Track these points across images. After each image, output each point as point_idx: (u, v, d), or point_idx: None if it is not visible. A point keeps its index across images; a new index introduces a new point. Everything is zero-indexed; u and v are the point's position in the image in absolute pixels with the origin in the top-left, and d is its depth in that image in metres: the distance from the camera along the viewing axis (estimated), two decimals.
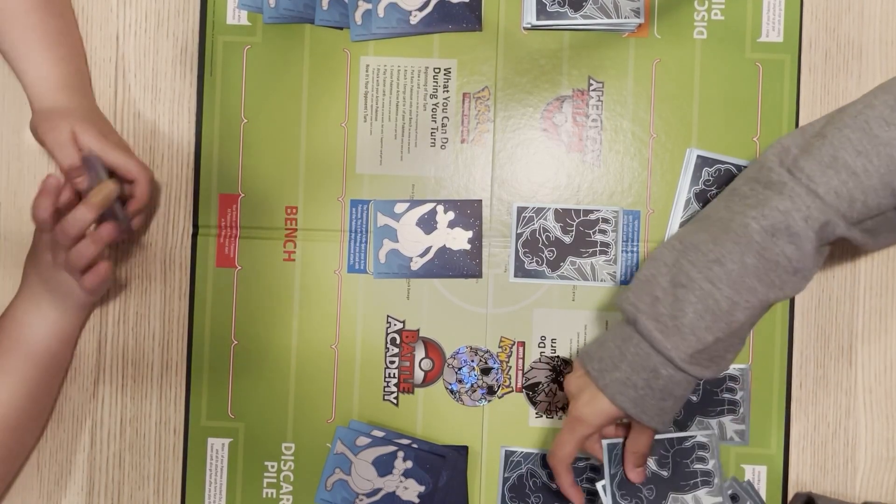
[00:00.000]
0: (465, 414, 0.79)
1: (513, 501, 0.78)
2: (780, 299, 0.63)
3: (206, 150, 0.80)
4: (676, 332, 0.62)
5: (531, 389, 0.79)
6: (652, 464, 0.71)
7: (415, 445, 0.78)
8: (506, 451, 0.78)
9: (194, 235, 0.80)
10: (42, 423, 0.79)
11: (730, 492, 0.74)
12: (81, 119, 0.72)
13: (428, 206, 0.79)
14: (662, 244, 0.66)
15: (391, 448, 0.78)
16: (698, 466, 0.72)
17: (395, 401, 0.79)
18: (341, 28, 0.80)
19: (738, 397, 0.78)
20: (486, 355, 0.79)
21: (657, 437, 0.70)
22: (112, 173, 0.72)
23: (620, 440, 0.69)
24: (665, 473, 0.71)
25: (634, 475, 0.69)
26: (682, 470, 0.71)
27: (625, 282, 0.79)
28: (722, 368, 0.64)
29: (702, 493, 0.71)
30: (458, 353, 0.79)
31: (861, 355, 0.79)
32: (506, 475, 0.78)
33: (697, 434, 0.72)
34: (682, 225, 0.78)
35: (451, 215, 0.79)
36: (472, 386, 0.79)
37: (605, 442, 0.69)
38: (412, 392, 0.79)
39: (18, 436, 0.74)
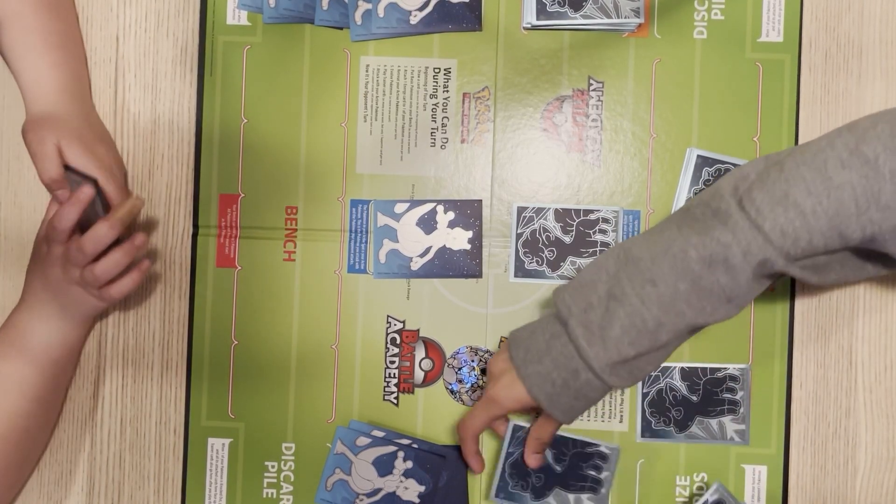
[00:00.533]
0: (465, 414, 0.79)
1: (514, 481, 0.78)
2: (707, 324, 0.64)
3: (206, 150, 0.80)
4: (601, 343, 0.64)
5: None
6: (549, 456, 0.75)
7: (415, 445, 0.78)
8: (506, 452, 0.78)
9: (194, 235, 0.80)
10: (49, 432, 0.78)
11: (715, 497, 0.74)
12: (70, 132, 0.72)
13: (428, 206, 0.79)
14: (609, 249, 0.69)
15: (391, 448, 0.78)
16: (591, 473, 0.76)
17: (395, 401, 0.79)
18: (341, 28, 0.80)
19: (738, 397, 0.78)
20: (486, 355, 0.79)
21: (566, 435, 0.75)
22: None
23: (527, 426, 0.74)
24: (559, 468, 0.75)
25: (532, 460, 0.73)
26: (576, 471, 0.75)
27: None
28: (638, 379, 0.67)
29: (585, 497, 0.75)
30: (458, 353, 0.79)
31: (861, 355, 0.79)
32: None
33: (602, 445, 0.76)
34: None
35: (451, 215, 0.79)
36: (472, 386, 0.79)
37: (511, 422, 0.74)
38: (412, 392, 0.79)
39: (24, 446, 0.74)
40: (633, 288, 0.63)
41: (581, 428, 0.78)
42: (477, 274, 0.79)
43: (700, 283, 0.62)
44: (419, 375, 0.79)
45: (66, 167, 0.71)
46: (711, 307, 0.63)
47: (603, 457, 0.76)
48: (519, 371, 0.67)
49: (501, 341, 0.79)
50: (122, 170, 0.78)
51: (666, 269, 0.63)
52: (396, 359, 0.79)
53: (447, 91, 0.80)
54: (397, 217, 0.79)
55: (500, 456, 0.74)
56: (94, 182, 0.70)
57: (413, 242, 0.79)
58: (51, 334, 0.73)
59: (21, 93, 0.74)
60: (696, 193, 0.79)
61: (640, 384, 0.79)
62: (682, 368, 0.78)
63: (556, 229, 0.79)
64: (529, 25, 0.79)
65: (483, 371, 0.79)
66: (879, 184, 0.58)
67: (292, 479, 0.79)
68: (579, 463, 0.76)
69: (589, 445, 0.76)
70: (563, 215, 0.79)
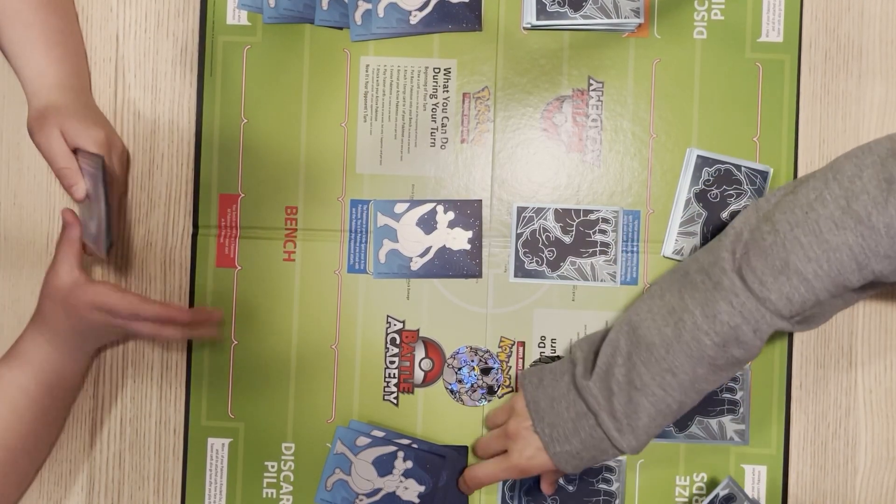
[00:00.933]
0: (465, 414, 0.79)
1: (512, 501, 0.78)
2: (723, 385, 0.72)
3: (206, 150, 0.80)
4: (630, 431, 0.67)
5: None
6: (561, 479, 0.77)
7: (415, 445, 0.78)
8: None
9: (194, 235, 0.80)
10: (45, 452, 0.78)
11: (726, 491, 0.75)
12: (69, 115, 0.72)
13: (428, 206, 0.79)
14: (616, 325, 0.70)
15: (391, 448, 0.78)
16: (602, 486, 0.78)
17: (395, 401, 0.79)
18: (341, 28, 0.80)
19: (738, 397, 0.78)
20: (486, 355, 0.79)
21: None
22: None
23: None
24: (570, 488, 0.77)
25: (547, 487, 0.75)
26: (588, 487, 0.77)
27: (625, 282, 0.79)
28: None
29: None
30: (458, 353, 0.79)
31: (861, 355, 0.79)
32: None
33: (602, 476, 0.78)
34: (681, 225, 0.78)
35: (451, 215, 0.79)
36: (472, 386, 0.79)
37: None
38: (412, 392, 0.79)
39: (21, 459, 0.74)
40: (652, 378, 0.66)
41: None
42: (477, 274, 0.79)
43: (716, 364, 0.66)
44: (419, 375, 0.79)
45: (75, 151, 0.71)
46: (727, 374, 0.68)
47: (610, 469, 0.77)
48: (548, 449, 0.70)
49: (501, 341, 0.79)
50: (125, 153, 0.78)
51: (682, 359, 0.65)
52: (396, 359, 0.79)
53: (447, 91, 0.80)
54: (397, 217, 0.79)
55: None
56: (101, 159, 0.70)
57: (413, 242, 0.79)
58: (65, 362, 0.73)
59: (23, 88, 0.74)
60: (695, 194, 0.79)
61: None
62: None
63: (555, 229, 0.79)
64: (529, 25, 0.79)
65: (483, 371, 0.79)
66: (876, 240, 0.60)
67: (292, 479, 0.79)
68: (590, 480, 0.77)
69: (593, 478, 0.78)
70: (562, 215, 0.79)
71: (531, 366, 0.79)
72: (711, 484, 0.78)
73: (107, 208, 0.69)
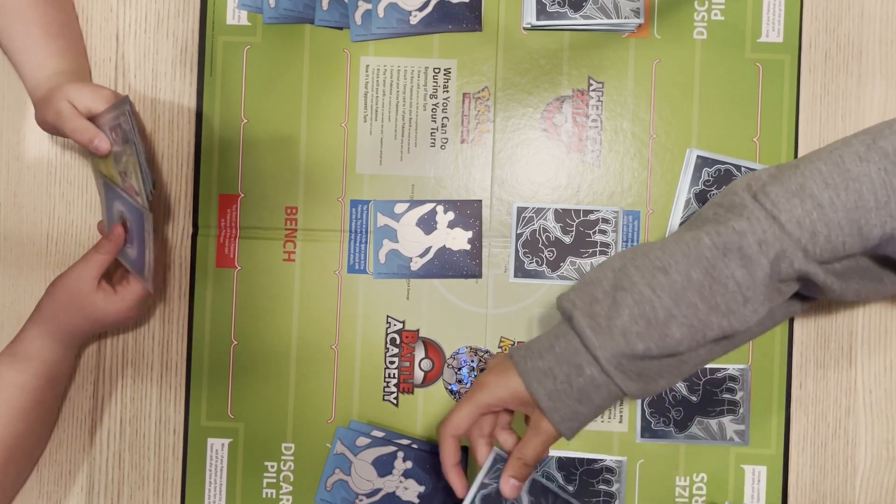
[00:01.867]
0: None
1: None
2: (722, 329, 0.60)
3: (206, 150, 0.80)
4: (607, 332, 0.59)
5: None
6: (525, 491, 0.67)
7: (414, 446, 0.78)
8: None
9: (194, 235, 0.80)
10: (42, 445, 0.79)
11: None
12: (73, 87, 0.70)
13: (428, 207, 0.79)
14: (617, 252, 0.66)
15: (391, 448, 0.78)
16: (602, 487, 0.76)
17: (394, 401, 0.79)
18: (341, 28, 0.80)
19: (738, 397, 0.78)
20: (485, 355, 0.79)
21: (570, 455, 0.73)
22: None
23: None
24: (571, 488, 0.71)
25: (508, 487, 0.63)
26: (588, 488, 0.72)
27: None
28: (651, 390, 0.61)
29: None
30: (457, 353, 0.79)
31: (861, 355, 0.79)
32: None
33: (607, 459, 0.76)
34: (681, 225, 0.78)
35: (451, 215, 0.79)
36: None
37: (494, 451, 0.65)
38: (412, 392, 0.79)
39: (16, 458, 0.74)
40: (642, 276, 0.60)
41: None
42: (477, 274, 0.79)
43: (713, 273, 0.59)
44: (419, 375, 0.79)
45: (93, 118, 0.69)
46: (726, 305, 0.59)
47: (610, 470, 0.77)
48: (517, 367, 0.61)
49: (501, 341, 0.79)
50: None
51: (678, 257, 0.60)
52: (396, 359, 0.79)
53: (447, 91, 0.80)
54: (397, 217, 0.79)
55: (473, 486, 0.65)
56: (126, 99, 0.68)
57: (413, 242, 0.79)
58: (64, 354, 0.74)
59: (24, 84, 0.74)
60: (695, 194, 0.79)
61: None
62: None
63: (555, 229, 0.79)
64: (529, 26, 0.79)
65: (483, 371, 0.79)
66: None
67: (292, 480, 0.79)
68: (590, 480, 0.77)
69: (595, 461, 0.77)
70: (562, 215, 0.79)
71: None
72: (711, 484, 0.78)
73: (143, 152, 0.68)
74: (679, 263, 0.59)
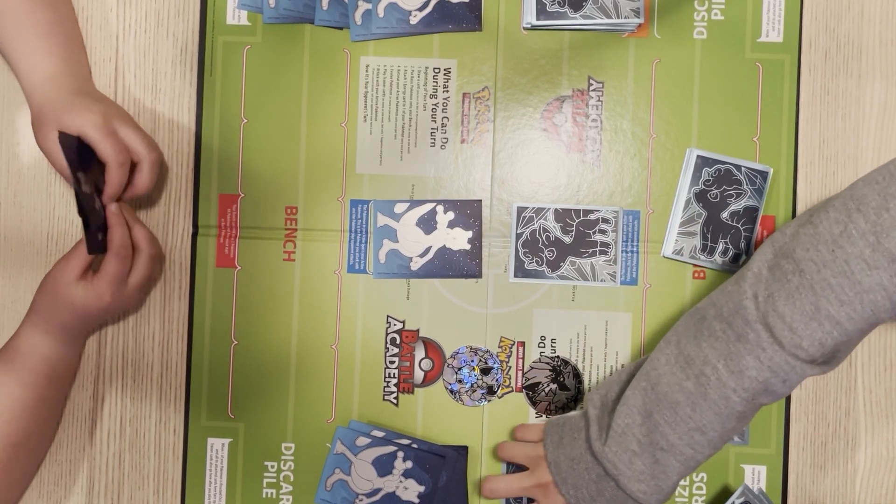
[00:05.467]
0: (464, 414, 0.79)
1: (517, 501, 0.78)
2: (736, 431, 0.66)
3: (206, 150, 0.80)
4: (660, 492, 0.66)
5: (531, 389, 0.79)
6: None
7: (415, 445, 0.78)
8: None
9: (194, 235, 0.80)
10: (47, 444, 0.79)
11: (742, 500, 0.75)
12: (64, 111, 0.70)
13: (428, 206, 0.79)
14: (633, 382, 0.67)
15: (391, 448, 0.78)
16: None
17: (394, 401, 0.79)
18: (341, 28, 0.80)
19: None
20: (485, 355, 0.79)
21: None
22: (94, 159, 0.70)
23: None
24: None
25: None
26: None
27: (625, 282, 0.79)
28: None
29: None
30: (457, 353, 0.79)
31: (861, 355, 0.79)
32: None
33: None
34: (681, 225, 0.78)
35: (451, 215, 0.79)
36: (471, 386, 0.79)
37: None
38: (412, 392, 0.79)
39: (20, 460, 0.74)
40: (679, 438, 0.64)
41: None
42: (477, 274, 0.79)
43: (745, 415, 0.64)
44: (419, 375, 0.79)
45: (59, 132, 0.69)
46: (752, 416, 0.65)
47: None
48: None
49: (501, 341, 0.79)
50: (129, 121, 0.74)
51: (710, 417, 0.63)
52: (396, 359, 0.79)
53: (447, 91, 0.80)
54: (397, 217, 0.79)
55: None
56: (74, 140, 0.69)
57: (413, 242, 0.79)
58: (64, 350, 0.74)
59: (21, 87, 0.73)
60: (695, 194, 0.78)
61: None
62: None
63: (555, 229, 0.79)
64: (529, 25, 0.79)
65: (483, 371, 0.79)
66: None
67: (292, 480, 0.79)
68: None
69: None
70: (562, 215, 0.79)
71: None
72: (711, 484, 0.78)
73: (76, 189, 0.67)
74: (714, 423, 0.63)
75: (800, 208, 0.79)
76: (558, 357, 0.79)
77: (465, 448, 0.79)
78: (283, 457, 0.79)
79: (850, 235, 0.58)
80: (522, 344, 0.79)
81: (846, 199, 0.59)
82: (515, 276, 0.79)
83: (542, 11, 0.78)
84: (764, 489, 0.78)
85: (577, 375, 0.79)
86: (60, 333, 0.73)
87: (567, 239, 0.79)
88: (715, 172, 0.78)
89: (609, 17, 0.77)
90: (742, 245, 0.78)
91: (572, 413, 0.72)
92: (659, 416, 0.64)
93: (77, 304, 0.71)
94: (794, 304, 0.59)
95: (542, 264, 0.79)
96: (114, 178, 0.70)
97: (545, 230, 0.79)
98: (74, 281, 0.70)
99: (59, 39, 0.75)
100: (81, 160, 0.69)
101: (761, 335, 0.60)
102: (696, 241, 0.78)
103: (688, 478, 0.79)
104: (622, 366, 0.78)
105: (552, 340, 0.79)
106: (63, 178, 0.70)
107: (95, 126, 0.69)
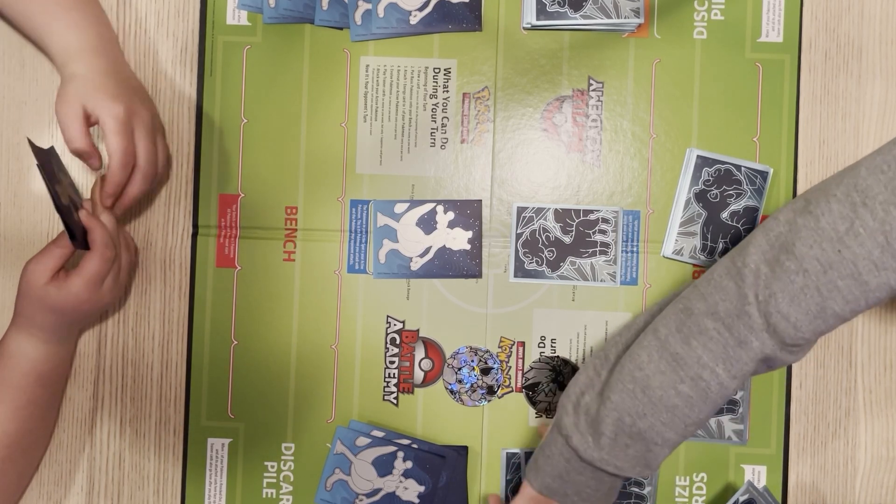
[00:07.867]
0: (464, 414, 0.79)
1: None
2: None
3: (206, 150, 0.80)
4: (648, 469, 0.66)
5: (531, 389, 0.79)
6: None
7: (415, 445, 0.78)
8: (507, 453, 0.78)
9: (194, 235, 0.80)
10: (45, 441, 0.78)
11: (746, 497, 0.75)
12: (94, 89, 0.69)
13: (428, 206, 0.79)
14: (614, 387, 0.64)
15: (391, 448, 0.78)
16: (634, 489, 0.77)
17: (394, 401, 0.79)
18: (341, 28, 0.80)
19: (737, 397, 0.78)
20: (485, 355, 0.79)
21: None
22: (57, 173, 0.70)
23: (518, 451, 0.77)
24: None
25: None
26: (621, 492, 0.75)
27: (625, 282, 0.79)
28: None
29: None
30: (457, 353, 0.79)
31: (861, 355, 0.79)
32: (508, 478, 0.78)
33: None
34: (681, 225, 0.78)
35: (451, 215, 0.79)
36: (471, 386, 0.79)
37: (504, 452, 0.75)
38: (412, 392, 0.79)
39: (17, 460, 0.74)
40: (676, 433, 0.63)
41: None
42: (477, 274, 0.79)
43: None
44: (419, 375, 0.79)
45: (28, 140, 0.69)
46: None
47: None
48: None
49: (501, 341, 0.79)
50: (153, 120, 0.74)
51: (709, 411, 0.63)
52: (396, 359, 0.79)
53: (447, 91, 0.80)
54: (397, 217, 0.79)
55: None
56: (47, 152, 0.69)
57: (413, 242, 0.79)
58: (52, 351, 0.73)
59: (52, 62, 0.72)
60: (695, 194, 0.78)
61: None
62: None
63: (555, 229, 0.79)
64: (529, 25, 0.79)
65: (483, 371, 0.79)
66: None
67: (292, 479, 0.79)
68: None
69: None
70: (562, 215, 0.79)
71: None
72: (711, 484, 0.78)
73: (54, 203, 0.67)
74: (711, 414, 0.64)
75: None
76: (558, 357, 0.79)
77: (465, 448, 0.79)
78: (283, 457, 0.79)
79: (857, 234, 0.56)
80: (522, 344, 0.79)
81: (850, 191, 0.56)
82: (515, 276, 0.79)
83: (542, 11, 0.78)
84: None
85: None
86: (42, 334, 0.72)
87: (567, 239, 0.79)
88: (715, 172, 0.78)
89: (609, 17, 0.77)
90: None
91: (540, 446, 0.70)
92: (654, 418, 0.63)
93: (53, 305, 0.70)
94: (798, 305, 0.58)
95: (542, 264, 0.79)
96: (112, 178, 0.70)
97: (545, 230, 0.79)
98: (45, 284, 0.69)
99: (84, 11, 0.73)
100: (57, 169, 0.69)
101: (766, 343, 0.59)
102: (697, 241, 0.78)
103: (688, 478, 0.79)
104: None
105: (552, 340, 0.79)
106: (69, 149, 0.69)
107: (116, 119, 0.69)
